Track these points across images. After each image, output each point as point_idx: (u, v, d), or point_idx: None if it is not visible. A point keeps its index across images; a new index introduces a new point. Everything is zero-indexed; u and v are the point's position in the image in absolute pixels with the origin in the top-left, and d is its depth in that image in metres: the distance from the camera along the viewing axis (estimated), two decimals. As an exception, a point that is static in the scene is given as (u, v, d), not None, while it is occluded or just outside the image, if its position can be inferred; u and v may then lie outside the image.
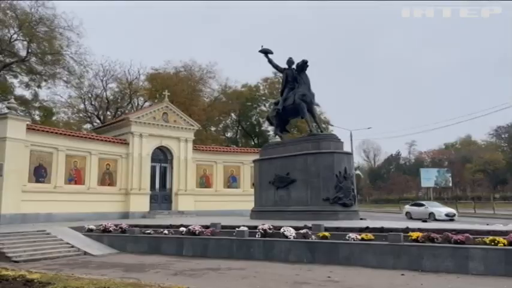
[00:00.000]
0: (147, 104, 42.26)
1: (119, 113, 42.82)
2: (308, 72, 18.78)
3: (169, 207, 25.64)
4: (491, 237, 9.48)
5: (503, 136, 78.82)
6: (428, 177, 60.18)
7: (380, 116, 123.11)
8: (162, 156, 26.09)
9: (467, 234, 9.82)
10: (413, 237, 10.15)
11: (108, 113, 43.34)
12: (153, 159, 25.37)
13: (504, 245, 9.09)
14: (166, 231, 14.03)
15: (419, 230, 10.78)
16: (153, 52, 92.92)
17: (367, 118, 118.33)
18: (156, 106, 27.55)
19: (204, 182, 27.48)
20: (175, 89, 37.94)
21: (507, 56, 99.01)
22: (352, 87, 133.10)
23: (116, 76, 42.00)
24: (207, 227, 13.56)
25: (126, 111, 41.35)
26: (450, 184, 64.97)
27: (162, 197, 25.65)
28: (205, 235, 12.97)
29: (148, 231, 14.33)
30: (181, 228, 13.68)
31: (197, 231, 13.11)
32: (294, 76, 19.02)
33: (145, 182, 24.52)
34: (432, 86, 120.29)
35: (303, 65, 18.46)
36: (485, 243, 9.38)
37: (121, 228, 14.87)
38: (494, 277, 8.65)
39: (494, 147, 76.48)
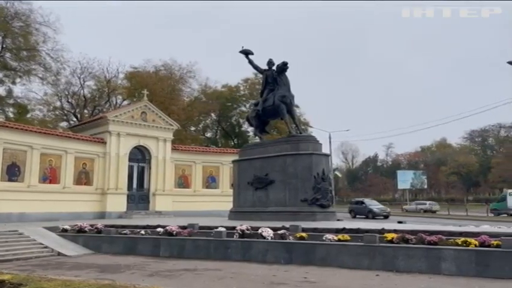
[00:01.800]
0: (125, 102, 41.57)
1: (96, 111, 42.01)
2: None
3: (147, 207, 25.38)
4: (463, 239, 9.68)
5: (476, 140, 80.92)
6: (405, 179, 61.44)
7: (362, 117, 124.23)
8: (140, 155, 25.79)
9: (440, 236, 10.02)
10: (388, 239, 10.30)
11: (86, 111, 42.46)
12: (130, 159, 25.08)
13: (475, 246, 9.30)
14: (143, 232, 13.88)
15: (395, 231, 10.96)
16: (132, 51, 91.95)
17: (350, 120, 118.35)
18: (134, 105, 27.24)
19: (183, 182, 27.31)
20: (155, 88, 37.50)
21: (497, 58, 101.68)
22: (343, 88, 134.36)
23: (94, 74, 41.10)
24: (184, 227, 13.47)
25: (104, 110, 40.63)
26: (425, 186, 66.41)
27: (139, 197, 25.36)
28: (183, 236, 12.88)
29: (125, 232, 14.15)
30: (159, 229, 13.54)
31: (174, 232, 13.01)
32: (274, 77, 19.06)
33: (122, 182, 24.20)
34: (418, 89, 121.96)
35: (283, 66, 18.54)
36: (457, 244, 9.58)
37: (97, 228, 14.63)
38: (466, 277, 8.84)
39: (468, 151, 78.49)
